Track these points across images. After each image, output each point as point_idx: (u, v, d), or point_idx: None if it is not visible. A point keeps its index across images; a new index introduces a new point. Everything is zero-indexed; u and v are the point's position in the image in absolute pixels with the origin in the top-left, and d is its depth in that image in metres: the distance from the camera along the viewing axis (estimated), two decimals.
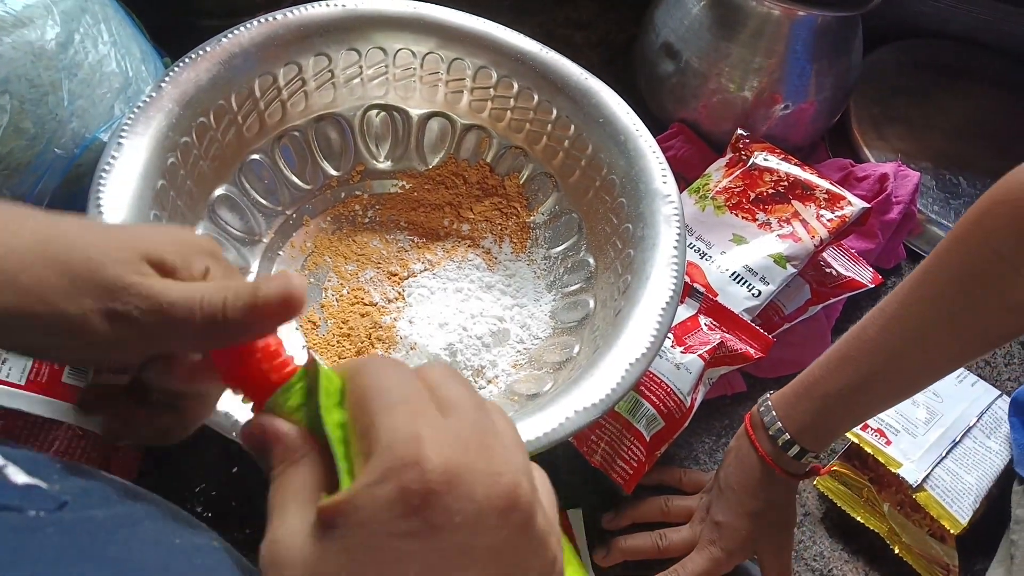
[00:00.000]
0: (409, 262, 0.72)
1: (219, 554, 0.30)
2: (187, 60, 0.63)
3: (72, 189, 0.58)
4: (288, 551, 0.25)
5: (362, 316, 0.68)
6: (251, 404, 0.31)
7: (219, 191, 0.66)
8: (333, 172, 0.73)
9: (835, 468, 0.66)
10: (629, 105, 0.68)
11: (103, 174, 0.57)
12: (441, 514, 0.25)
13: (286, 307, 0.29)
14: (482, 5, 0.94)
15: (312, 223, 0.72)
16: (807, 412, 0.56)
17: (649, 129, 0.67)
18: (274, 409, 0.30)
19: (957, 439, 0.66)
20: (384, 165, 0.75)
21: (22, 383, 0.55)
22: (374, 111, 0.73)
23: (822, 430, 0.56)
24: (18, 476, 0.28)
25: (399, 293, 0.69)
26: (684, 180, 0.79)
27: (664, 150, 0.78)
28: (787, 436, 0.56)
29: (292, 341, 0.31)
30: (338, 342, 0.67)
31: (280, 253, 0.70)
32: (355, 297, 0.69)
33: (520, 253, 0.73)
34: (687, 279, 0.67)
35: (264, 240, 0.69)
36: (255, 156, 0.68)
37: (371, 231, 0.73)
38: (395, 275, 0.71)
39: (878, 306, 0.54)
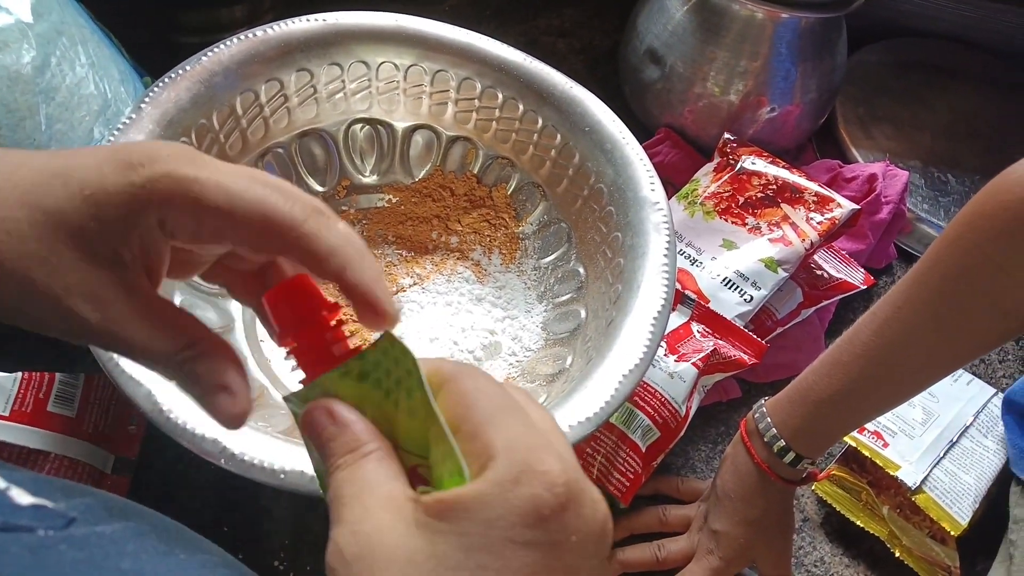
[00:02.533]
0: (398, 277, 0.71)
1: (223, 569, 0.30)
2: (167, 80, 0.62)
3: None
4: (383, 544, 0.24)
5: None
6: (297, 372, 0.28)
7: None
8: (318, 188, 0.72)
9: (833, 472, 0.65)
10: (615, 112, 0.68)
11: None
12: (561, 531, 0.24)
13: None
14: (464, 15, 0.93)
15: None
16: (801, 418, 0.55)
17: (635, 136, 0.67)
18: (328, 388, 0.27)
19: (954, 439, 0.65)
20: (370, 179, 0.74)
21: (6, 414, 0.54)
22: (358, 125, 0.73)
23: (817, 436, 0.55)
24: (23, 497, 0.27)
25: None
26: (672, 186, 0.78)
27: (651, 156, 0.78)
28: (782, 443, 0.56)
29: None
30: None
31: None
32: (343, 314, 0.68)
33: (510, 264, 0.72)
34: (678, 286, 0.66)
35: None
36: None
37: None
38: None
39: (871, 310, 0.53)
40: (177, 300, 0.61)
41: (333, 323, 0.29)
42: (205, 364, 0.27)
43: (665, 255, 0.60)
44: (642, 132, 0.80)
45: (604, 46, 0.93)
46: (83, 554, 0.26)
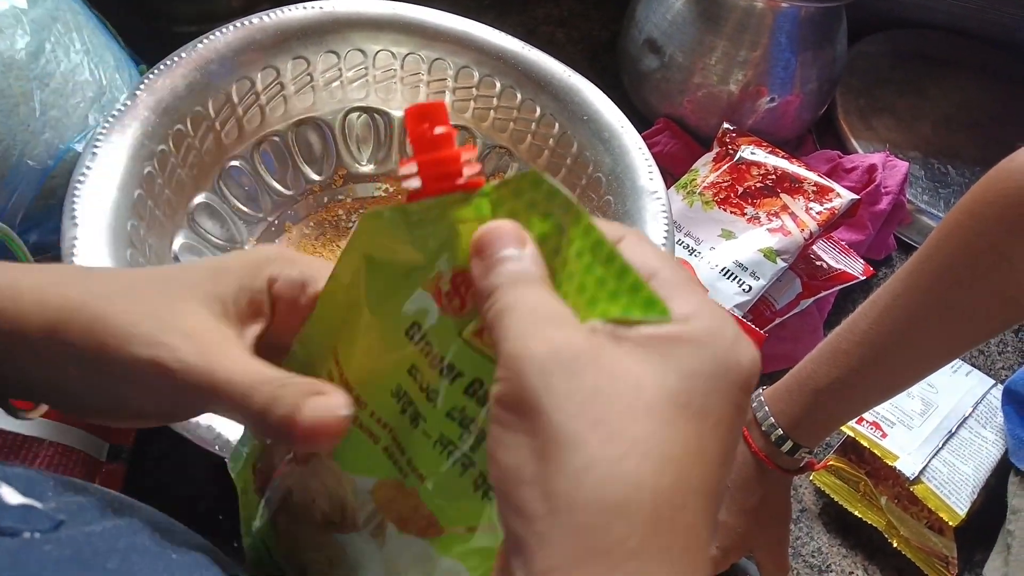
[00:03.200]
0: None
1: (215, 568, 0.29)
2: (162, 67, 0.62)
3: (47, 201, 0.57)
4: (585, 359, 0.21)
5: None
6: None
7: (198, 199, 0.65)
8: (315, 177, 0.72)
9: (831, 462, 0.65)
10: (613, 100, 0.68)
11: (78, 185, 0.55)
12: (748, 403, 0.23)
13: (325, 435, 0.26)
14: (462, 4, 0.93)
15: (294, 229, 0.71)
16: (800, 407, 0.55)
17: (634, 125, 0.66)
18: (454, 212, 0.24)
19: (953, 430, 0.65)
20: (367, 168, 0.74)
21: None
22: (355, 114, 0.72)
23: (815, 425, 0.55)
24: (12, 497, 0.27)
25: None
26: (671, 176, 0.78)
27: (650, 146, 0.77)
28: (780, 432, 0.56)
29: None
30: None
31: None
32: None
33: None
34: None
35: (246, 248, 0.68)
36: (235, 163, 0.67)
37: None
38: None
39: (870, 299, 0.53)
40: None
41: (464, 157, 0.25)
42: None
43: (664, 245, 0.60)
44: (641, 122, 0.80)
45: (603, 36, 0.93)
46: (69, 552, 0.25)
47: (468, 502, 0.25)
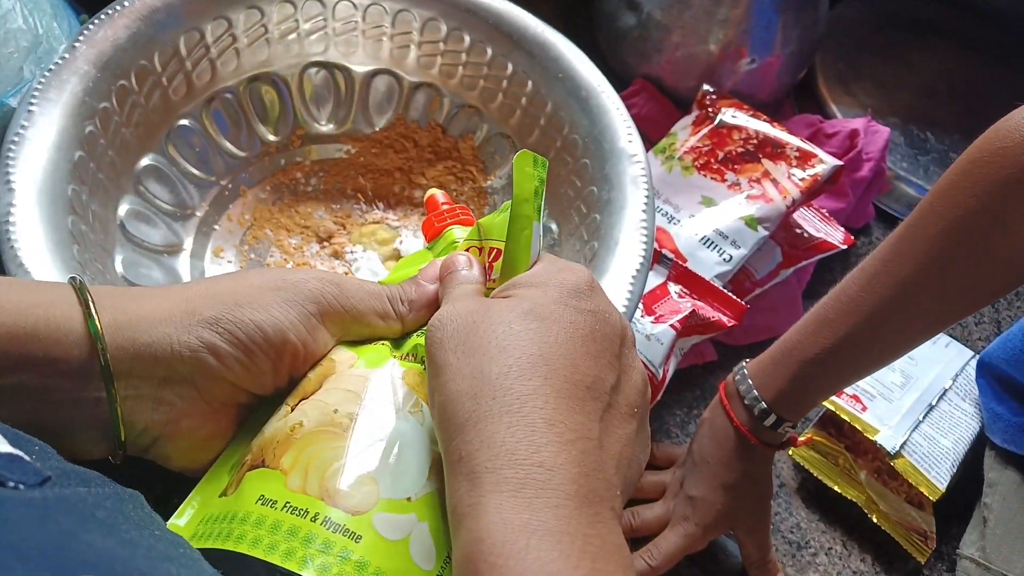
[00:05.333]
0: (356, 231, 0.67)
1: (195, 551, 0.29)
2: (103, 16, 0.57)
3: None
4: (467, 310, 0.32)
5: None
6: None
7: (145, 161, 0.60)
8: (271, 137, 0.67)
9: (810, 436, 0.63)
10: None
11: (12, 146, 0.51)
12: (597, 304, 0.33)
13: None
14: None
15: (250, 193, 0.66)
16: (784, 379, 0.53)
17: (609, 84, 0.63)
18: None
19: (933, 403, 0.64)
20: (327, 128, 0.69)
21: None
22: (313, 69, 0.68)
23: (800, 398, 0.53)
24: (1, 445, 0.26)
25: (347, 268, 0.65)
26: (648, 140, 0.75)
27: (626, 108, 0.74)
28: (763, 405, 0.54)
29: None
30: None
31: (216, 227, 0.64)
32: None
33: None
34: (655, 245, 0.63)
35: (198, 214, 0.63)
36: (184, 122, 0.63)
37: (315, 200, 0.68)
38: (343, 248, 0.66)
39: (859, 266, 0.51)
40: (119, 258, 0.57)
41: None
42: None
43: (644, 211, 0.57)
44: (617, 83, 0.76)
45: None
46: (55, 503, 0.24)
47: None
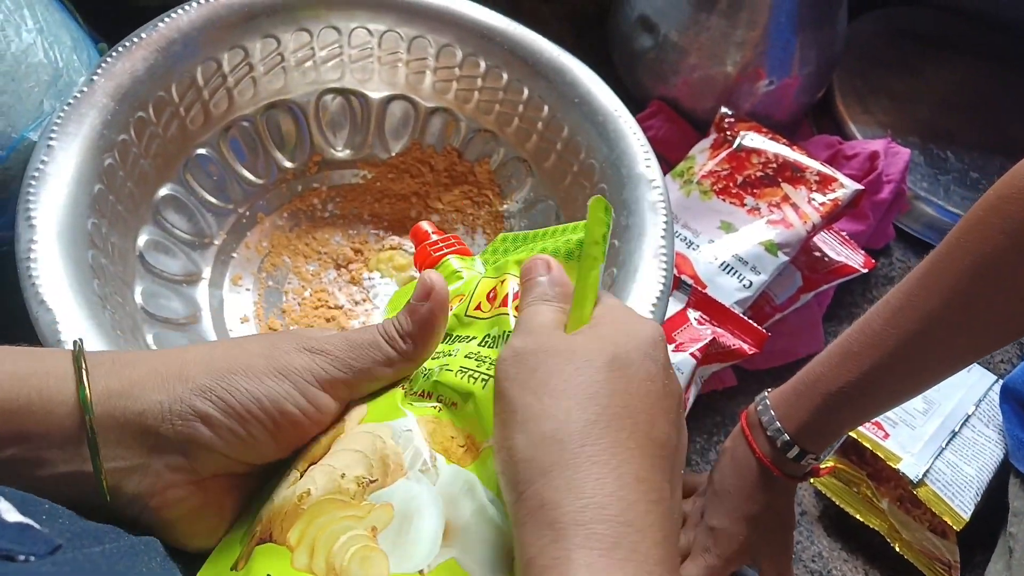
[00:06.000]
0: (374, 257, 0.67)
1: None
2: (121, 49, 0.57)
3: (0, 194, 0.52)
4: (545, 341, 0.31)
5: (327, 321, 0.63)
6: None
7: (163, 191, 0.60)
8: (287, 164, 0.67)
9: (831, 463, 0.63)
10: (604, 81, 0.64)
11: (32, 181, 0.51)
12: (666, 358, 0.32)
13: (441, 304, 0.36)
14: None
15: (267, 220, 0.66)
16: (807, 411, 0.52)
17: (625, 107, 0.63)
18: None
19: (956, 429, 0.63)
20: (343, 154, 0.69)
21: None
22: (329, 96, 0.68)
23: (823, 430, 0.53)
24: (10, 514, 0.25)
25: (365, 295, 0.64)
26: (666, 162, 0.75)
27: (643, 130, 0.74)
28: (786, 437, 0.53)
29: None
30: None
31: (234, 255, 0.64)
32: (318, 300, 0.64)
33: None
34: (674, 271, 0.63)
35: (216, 242, 0.63)
36: (201, 151, 0.63)
37: (332, 226, 0.68)
38: (360, 275, 0.66)
39: (883, 299, 0.50)
40: (139, 289, 0.57)
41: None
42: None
43: (663, 237, 0.56)
44: (632, 103, 0.76)
45: (591, 11, 0.88)
46: (68, 570, 0.24)
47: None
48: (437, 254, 0.43)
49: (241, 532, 0.35)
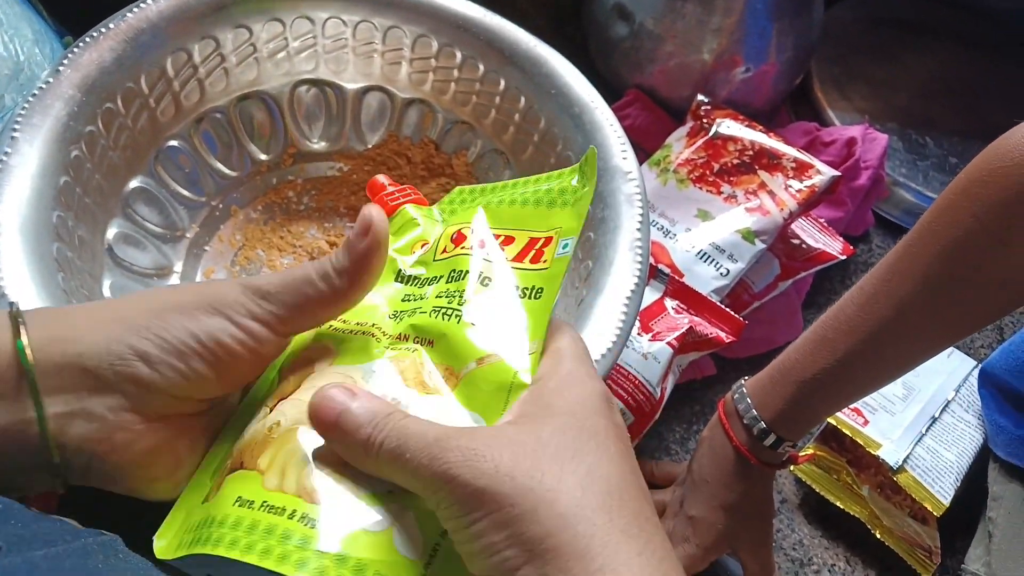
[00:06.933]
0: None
1: None
2: (88, 39, 0.56)
3: None
4: (485, 436, 0.29)
5: None
6: None
7: (133, 183, 0.60)
8: (262, 156, 0.67)
9: (811, 451, 0.63)
10: (580, 71, 0.63)
11: None
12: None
13: (379, 241, 0.33)
14: None
15: (241, 213, 0.65)
16: (783, 399, 0.52)
17: (602, 96, 0.62)
18: None
19: (936, 415, 0.63)
20: (318, 146, 0.69)
21: None
22: (304, 87, 0.67)
23: (799, 418, 0.52)
24: None
25: None
26: (642, 151, 0.74)
27: (620, 119, 0.73)
28: (763, 425, 0.53)
29: None
30: None
31: (207, 248, 0.63)
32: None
33: None
34: (651, 260, 0.62)
35: (188, 235, 0.63)
36: (172, 142, 0.62)
37: (307, 219, 0.67)
38: None
39: (857, 285, 0.50)
40: (107, 283, 0.56)
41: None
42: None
43: (638, 229, 0.56)
44: (609, 92, 0.75)
45: (568, 1, 0.88)
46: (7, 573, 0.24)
47: (469, 336, 0.34)
48: (393, 203, 0.44)
49: (211, 469, 0.35)
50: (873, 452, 0.60)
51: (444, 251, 0.39)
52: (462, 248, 0.38)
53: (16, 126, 0.52)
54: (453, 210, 0.43)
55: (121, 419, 0.32)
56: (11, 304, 0.34)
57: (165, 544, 0.33)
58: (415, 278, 0.39)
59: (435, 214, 0.43)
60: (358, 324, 0.37)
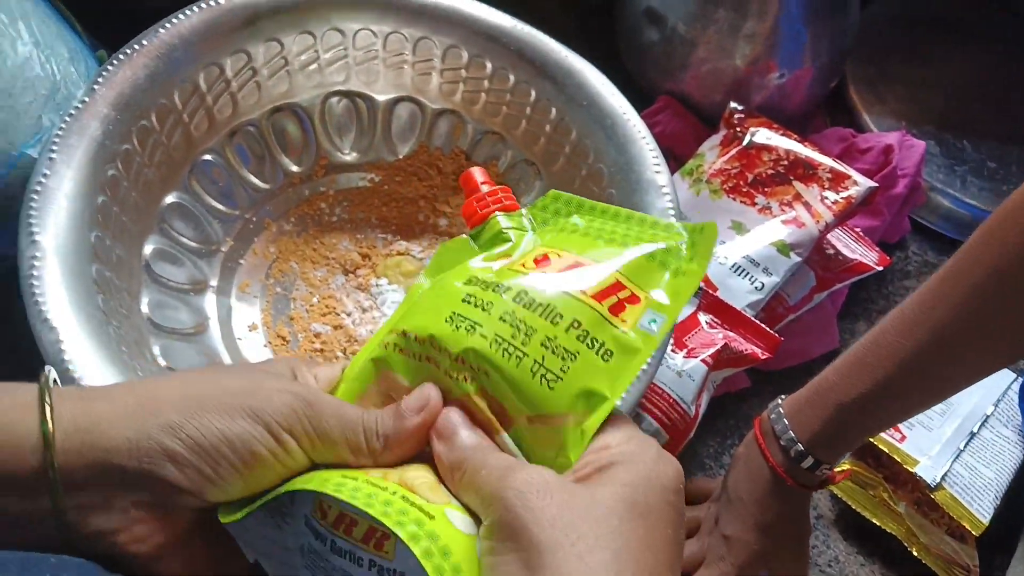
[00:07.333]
0: (382, 262, 0.66)
1: None
2: (121, 57, 0.56)
3: (1, 212, 0.52)
4: (549, 478, 0.30)
5: (335, 328, 0.63)
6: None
7: (169, 199, 0.60)
8: (294, 168, 0.67)
9: (847, 466, 0.62)
10: (611, 75, 0.63)
11: (34, 196, 0.50)
12: (683, 506, 0.31)
13: (427, 423, 0.33)
14: None
15: (274, 226, 0.66)
16: (821, 421, 0.51)
17: (634, 101, 0.61)
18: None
19: (974, 430, 0.62)
20: (350, 157, 0.69)
21: None
22: (335, 98, 0.67)
23: (837, 440, 0.52)
24: None
25: (373, 302, 0.64)
26: (674, 158, 0.73)
27: (651, 126, 0.72)
28: (800, 447, 0.52)
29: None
30: (311, 357, 0.62)
31: (241, 262, 0.64)
32: (326, 307, 0.64)
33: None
34: None
35: (223, 249, 0.63)
36: (206, 156, 0.62)
37: (340, 231, 0.68)
38: (368, 280, 0.65)
39: (898, 309, 0.49)
40: (145, 300, 0.56)
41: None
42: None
43: None
44: (639, 96, 0.75)
45: (596, 1, 0.87)
46: None
47: (528, 389, 0.33)
48: (484, 210, 0.41)
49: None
50: (910, 469, 0.59)
51: (523, 266, 0.37)
52: (541, 274, 0.36)
53: (54, 147, 0.52)
54: (545, 219, 0.41)
55: (143, 513, 0.32)
56: (42, 374, 0.33)
57: (229, 511, 0.33)
58: (482, 281, 0.36)
59: (525, 221, 0.41)
60: (426, 340, 0.35)
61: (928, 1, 0.90)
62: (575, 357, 0.33)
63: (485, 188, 0.42)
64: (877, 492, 0.62)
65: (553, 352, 0.33)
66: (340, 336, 0.62)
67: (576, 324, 0.34)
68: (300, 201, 0.67)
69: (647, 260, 0.36)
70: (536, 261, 0.37)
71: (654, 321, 0.34)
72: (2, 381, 0.53)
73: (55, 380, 0.33)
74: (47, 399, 0.31)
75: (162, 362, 0.54)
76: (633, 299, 0.35)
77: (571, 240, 0.38)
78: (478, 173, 0.43)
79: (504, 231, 0.40)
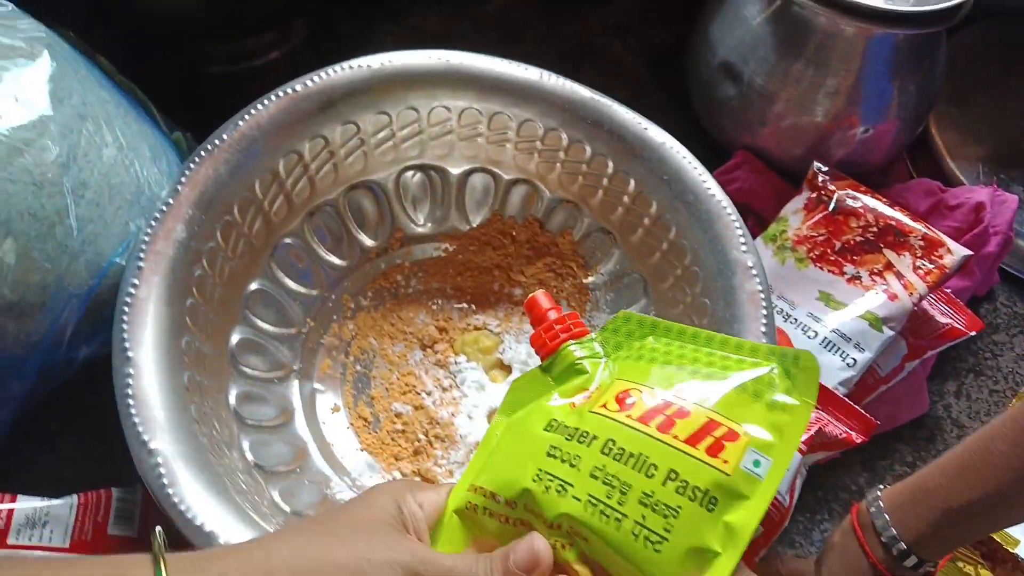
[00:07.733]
0: (460, 339, 0.66)
1: None
2: (203, 152, 0.57)
3: (93, 321, 0.53)
4: None
5: (416, 408, 0.63)
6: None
7: (251, 287, 0.60)
8: (370, 243, 0.67)
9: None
10: (685, 126, 0.62)
11: (125, 307, 0.51)
12: None
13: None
14: (510, 17, 0.85)
15: (352, 302, 0.66)
16: (926, 522, 0.50)
17: (710, 156, 0.60)
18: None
19: None
20: (424, 228, 0.68)
21: (66, 545, 0.51)
22: (409, 172, 0.66)
23: (944, 542, 0.50)
24: None
25: (452, 380, 0.64)
26: (752, 213, 0.72)
27: (728, 183, 0.71)
28: (903, 546, 0.51)
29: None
30: (393, 439, 0.62)
31: (322, 342, 0.64)
32: (406, 385, 0.64)
33: (581, 317, 0.66)
34: None
35: (303, 331, 0.63)
36: (286, 240, 0.62)
37: (416, 303, 0.67)
38: (446, 356, 0.65)
39: (1009, 415, 0.47)
40: (232, 393, 0.57)
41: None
42: None
43: (764, 331, 0.54)
44: (715, 152, 0.73)
45: (666, 41, 0.85)
46: None
47: (633, 554, 0.32)
48: (553, 341, 0.40)
49: None
50: (1011, 549, 0.58)
51: (604, 406, 0.36)
52: (627, 418, 0.34)
53: (141, 255, 0.53)
54: (618, 343, 0.40)
55: None
56: (154, 540, 0.34)
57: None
58: (564, 426, 0.36)
59: (596, 347, 0.40)
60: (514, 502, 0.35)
61: (1004, 26, 0.86)
62: (677, 513, 0.32)
63: (552, 315, 0.41)
64: (977, 570, 0.60)
65: (653, 510, 0.32)
66: (421, 417, 0.62)
67: (673, 475, 0.32)
68: (376, 275, 0.67)
69: (739, 392, 0.34)
70: (619, 400, 0.35)
71: (758, 463, 0.33)
72: (101, 489, 0.54)
73: (164, 541, 0.34)
74: (162, 565, 0.32)
75: (250, 457, 0.55)
76: (731, 436, 0.33)
77: (650, 371, 0.37)
78: (543, 299, 0.42)
79: (578, 361, 0.39)
